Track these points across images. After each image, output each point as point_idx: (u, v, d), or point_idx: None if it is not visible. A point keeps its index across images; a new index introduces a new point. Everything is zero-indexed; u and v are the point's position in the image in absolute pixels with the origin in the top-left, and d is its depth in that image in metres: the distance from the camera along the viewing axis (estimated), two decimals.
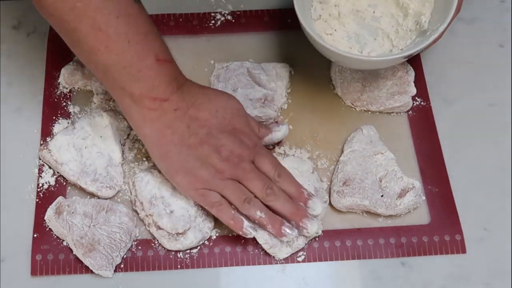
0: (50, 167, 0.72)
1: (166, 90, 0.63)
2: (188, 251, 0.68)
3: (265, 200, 0.65)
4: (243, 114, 0.68)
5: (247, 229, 0.65)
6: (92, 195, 0.71)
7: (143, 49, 0.62)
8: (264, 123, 0.73)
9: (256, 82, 0.76)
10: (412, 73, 0.76)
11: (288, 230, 0.64)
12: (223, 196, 0.65)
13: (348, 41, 0.75)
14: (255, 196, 0.65)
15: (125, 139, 0.74)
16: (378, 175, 0.70)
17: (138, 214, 0.70)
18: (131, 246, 0.69)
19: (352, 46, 0.74)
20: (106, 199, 0.71)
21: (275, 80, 0.76)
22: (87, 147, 0.71)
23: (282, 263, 0.68)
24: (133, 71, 0.62)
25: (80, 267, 0.67)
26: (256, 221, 0.65)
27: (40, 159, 0.73)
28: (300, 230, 0.65)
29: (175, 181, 0.66)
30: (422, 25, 0.71)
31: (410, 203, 0.69)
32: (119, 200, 0.71)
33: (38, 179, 0.72)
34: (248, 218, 0.65)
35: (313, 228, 0.65)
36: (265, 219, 0.65)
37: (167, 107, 0.64)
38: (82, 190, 0.71)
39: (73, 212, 0.68)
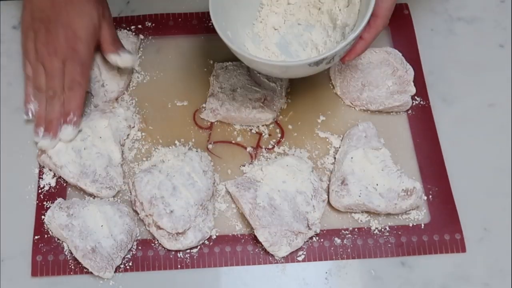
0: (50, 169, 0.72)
1: None
2: (188, 251, 0.68)
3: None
4: (88, 20, 0.72)
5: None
6: (92, 196, 0.71)
7: None
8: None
9: (256, 82, 0.76)
10: (411, 72, 0.76)
11: (40, 133, 0.72)
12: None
13: (279, 49, 0.74)
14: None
15: (124, 139, 0.74)
16: (372, 171, 0.70)
17: (138, 214, 0.70)
18: (131, 246, 0.69)
19: (279, 55, 0.73)
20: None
21: (275, 80, 0.76)
22: (86, 148, 0.71)
23: (282, 262, 0.68)
24: None
25: (80, 268, 0.67)
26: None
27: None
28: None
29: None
30: (346, 36, 0.67)
31: (410, 205, 0.69)
32: (119, 200, 0.71)
33: (38, 180, 0.72)
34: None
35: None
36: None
37: None
38: (82, 191, 0.71)
39: (72, 214, 0.68)
